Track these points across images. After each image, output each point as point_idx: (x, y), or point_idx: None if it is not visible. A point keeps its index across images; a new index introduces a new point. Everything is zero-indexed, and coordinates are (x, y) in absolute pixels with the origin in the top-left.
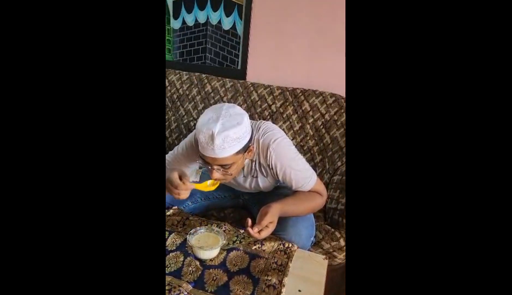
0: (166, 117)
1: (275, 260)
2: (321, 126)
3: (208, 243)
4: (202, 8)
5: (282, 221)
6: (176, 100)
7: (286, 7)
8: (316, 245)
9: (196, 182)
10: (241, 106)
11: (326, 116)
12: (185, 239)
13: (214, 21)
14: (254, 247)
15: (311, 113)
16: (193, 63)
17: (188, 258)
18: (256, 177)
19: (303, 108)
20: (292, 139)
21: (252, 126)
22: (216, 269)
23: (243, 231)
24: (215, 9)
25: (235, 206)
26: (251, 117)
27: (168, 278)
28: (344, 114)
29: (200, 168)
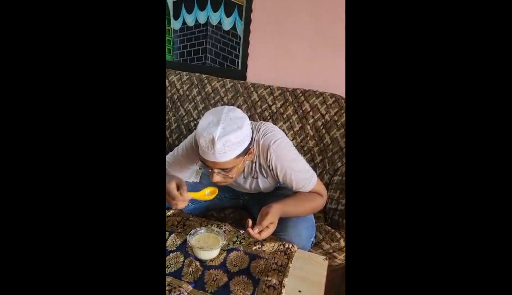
0: (167, 117)
1: (275, 261)
2: (322, 127)
3: (208, 244)
4: (202, 8)
5: (283, 221)
6: (177, 100)
7: (286, 7)
8: (316, 246)
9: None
10: (241, 106)
11: (327, 116)
12: (185, 240)
13: (214, 22)
14: (254, 248)
15: (311, 113)
16: (193, 63)
17: (188, 259)
18: (256, 178)
19: (303, 108)
20: (292, 140)
21: (252, 128)
22: (216, 270)
23: (243, 231)
24: (215, 9)
25: (235, 207)
26: (252, 117)
27: (168, 279)
28: (344, 114)
29: (200, 168)
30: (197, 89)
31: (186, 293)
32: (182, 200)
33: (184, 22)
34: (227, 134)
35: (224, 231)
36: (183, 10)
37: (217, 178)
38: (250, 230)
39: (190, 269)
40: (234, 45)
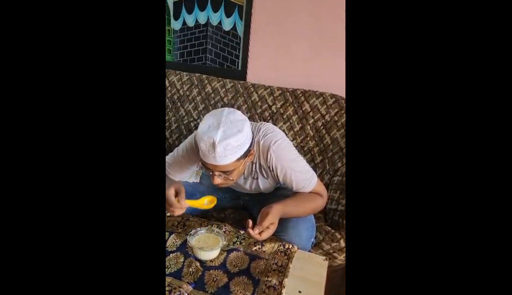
0: (167, 118)
1: (275, 261)
2: (322, 127)
3: (208, 244)
4: (202, 9)
5: (283, 222)
6: (177, 101)
7: (286, 7)
8: (316, 246)
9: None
10: (241, 107)
11: (327, 117)
12: (185, 240)
13: (214, 22)
14: (254, 248)
15: (311, 114)
16: (193, 64)
17: (189, 259)
18: (257, 178)
19: (303, 109)
20: (292, 140)
21: (252, 129)
22: (216, 270)
23: (243, 232)
24: (215, 10)
25: (235, 207)
26: (252, 118)
27: (168, 279)
28: (344, 115)
29: (200, 169)
30: (197, 89)
31: (186, 294)
32: (179, 207)
33: (184, 23)
34: (228, 138)
35: (224, 232)
36: (183, 11)
37: (218, 180)
38: (250, 230)
39: (190, 269)
40: (234, 45)
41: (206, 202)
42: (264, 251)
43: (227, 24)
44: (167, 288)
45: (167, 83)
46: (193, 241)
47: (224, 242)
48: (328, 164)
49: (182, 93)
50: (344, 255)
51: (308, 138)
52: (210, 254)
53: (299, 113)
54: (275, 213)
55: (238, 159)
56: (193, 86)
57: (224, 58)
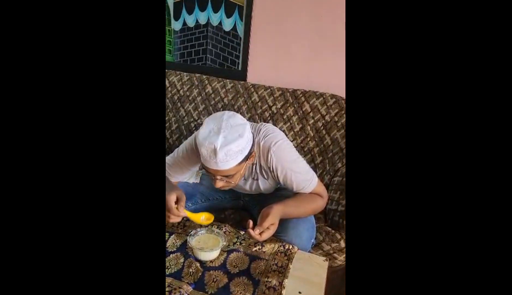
0: (167, 118)
1: (276, 262)
2: (322, 128)
3: (208, 245)
4: (203, 9)
5: (283, 222)
6: (177, 101)
7: (287, 8)
8: (316, 247)
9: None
10: (241, 107)
11: (327, 117)
12: (186, 240)
13: (215, 22)
14: (254, 249)
15: (311, 114)
16: (193, 64)
17: (189, 260)
18: (257, 179)
19: (303, 109)
20: (292, 141)
21: (252, 130)
22: (216, 271)
23: (243, 232)
24: (215, 10)
25: (235, 207)
26: (252, 118)
27: (168, 280)
28: (344, 115)
29: (200, 169)
30: (197, 90)
31: (186, 294)
32: (176, 215)
33: (184, 23)
34: (229, 144)
35: (224, 232)
36: (184, 11)
37: (220, 184)
38: (250, 231)
39: (190, 270)
40: (235, 45)
41: (203, 218)
42: (264, 252)
43: (227, 25)
44: (167, 289)
45: (167, 84)
46: (193, 241)
47: (224, 243)
48: (328, 165)
49: (182, 94)
50: (344, 255)
51: (308, 139)
52: (210, 255)
53: (299, 114)
54: (275, 213)
55: (240, 163)
56: (193, 87)
57: (224, 59)
